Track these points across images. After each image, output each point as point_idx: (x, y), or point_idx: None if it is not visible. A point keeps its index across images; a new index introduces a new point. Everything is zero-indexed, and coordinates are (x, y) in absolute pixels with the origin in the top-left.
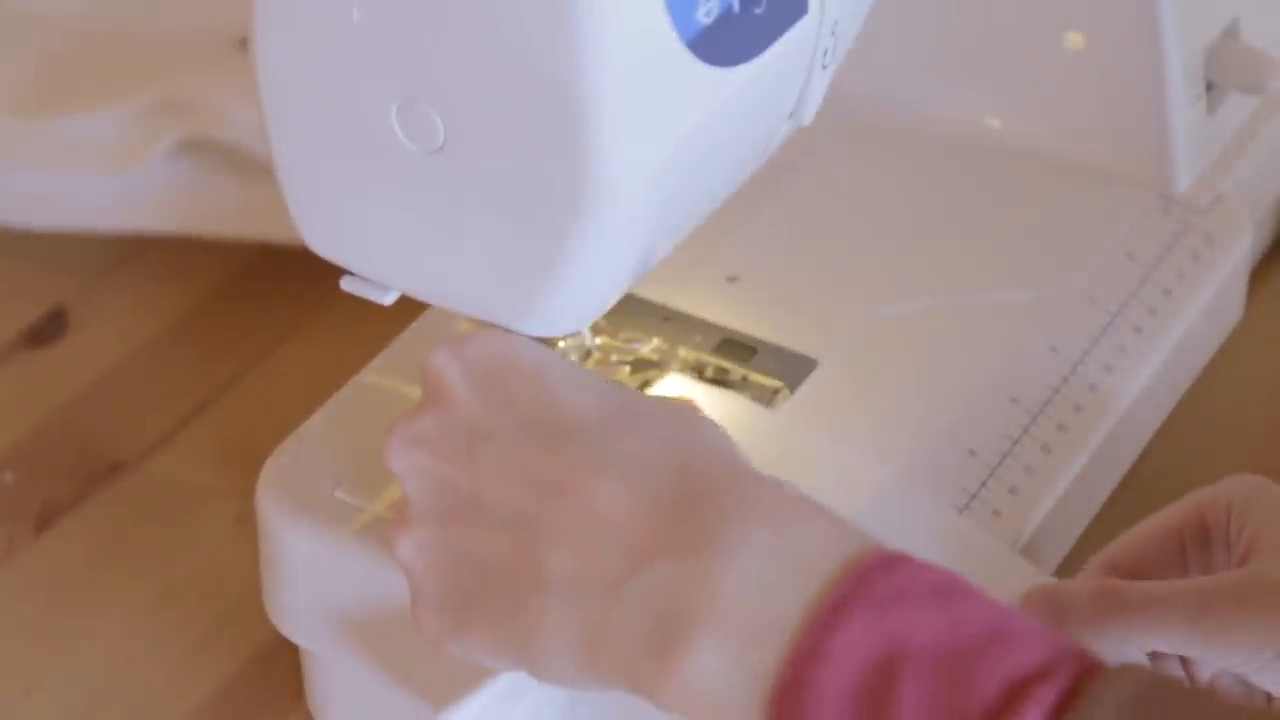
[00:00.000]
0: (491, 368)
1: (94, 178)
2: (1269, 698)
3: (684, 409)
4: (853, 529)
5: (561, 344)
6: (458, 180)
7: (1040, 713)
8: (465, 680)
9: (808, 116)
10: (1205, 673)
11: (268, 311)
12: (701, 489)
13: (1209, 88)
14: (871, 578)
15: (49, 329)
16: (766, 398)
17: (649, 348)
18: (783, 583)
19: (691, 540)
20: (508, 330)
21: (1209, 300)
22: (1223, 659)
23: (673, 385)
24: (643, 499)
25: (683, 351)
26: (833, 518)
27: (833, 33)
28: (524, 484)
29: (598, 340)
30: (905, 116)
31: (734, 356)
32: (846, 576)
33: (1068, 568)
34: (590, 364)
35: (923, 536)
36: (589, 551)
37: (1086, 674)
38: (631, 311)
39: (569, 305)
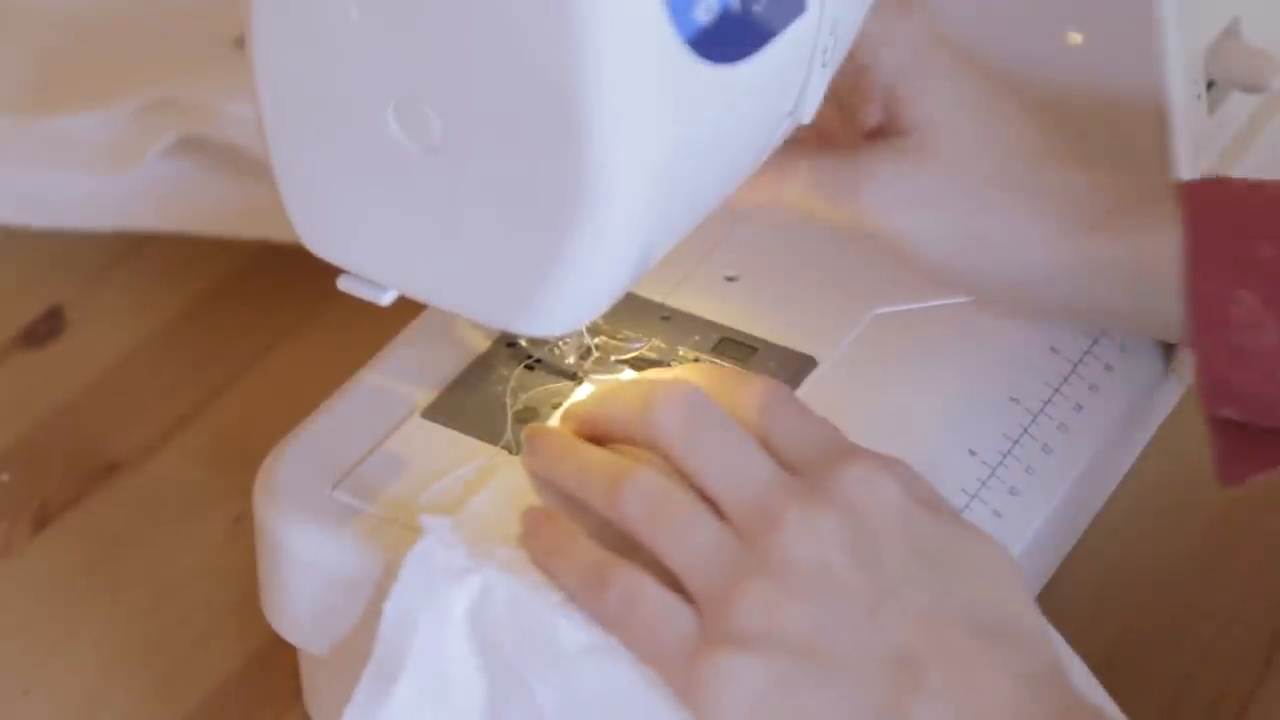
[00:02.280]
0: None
1: (91, 177)
2: None
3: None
4: None
5: (561, 344)
6: (455, 179)
7: None
8: None
9: (807, 115)
10: None
11: (265, 311)
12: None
13: (1209, 87)
14: None
15: (46, 328)
16: None
17: (648, 346)
18: None
19: None
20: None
21: None
22: None
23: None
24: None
25: (682, 351)
26: None
27: (832, 31)
28: (922, 630)
29: (596, 340)
30: None
31: (733, 356)
32: None
33: (1068, 568)
34: (590, 364)
35: None
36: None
37: None
38: (631, 311)
39: (568, 305)
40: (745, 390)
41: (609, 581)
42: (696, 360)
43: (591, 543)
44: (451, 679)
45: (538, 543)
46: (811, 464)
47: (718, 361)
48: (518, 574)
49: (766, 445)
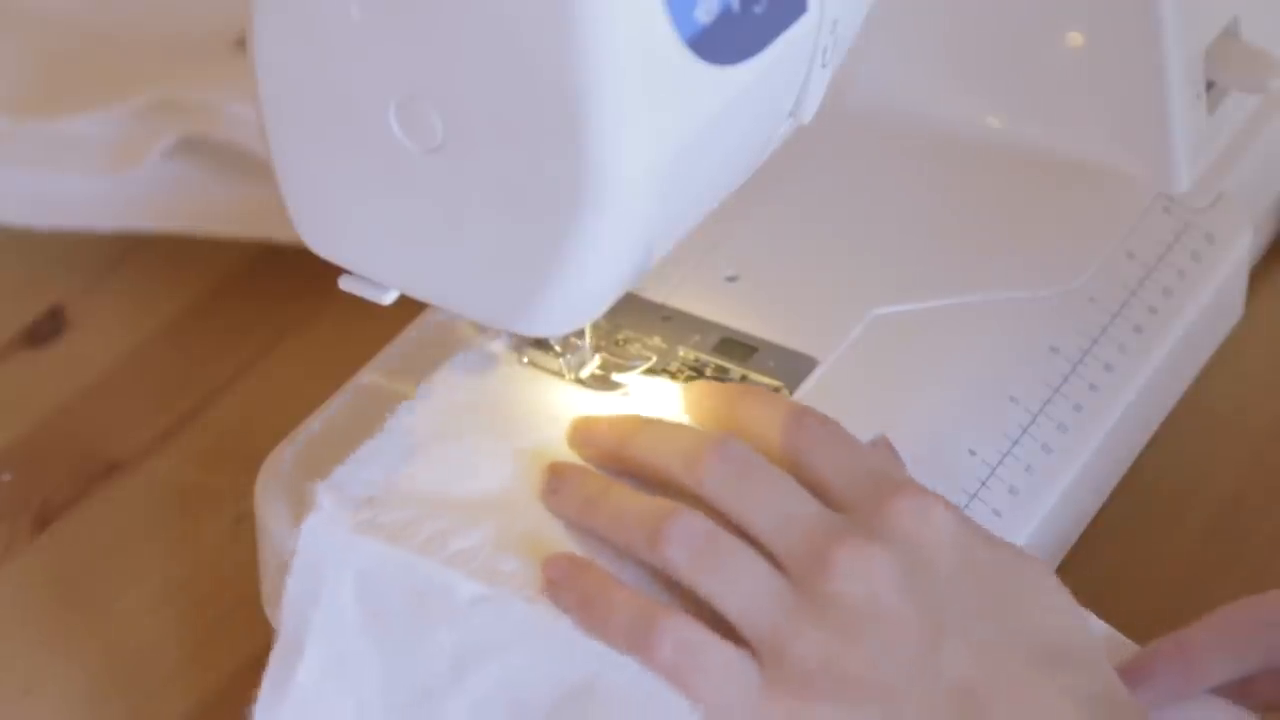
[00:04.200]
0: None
1: (93, 178)
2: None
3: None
4: None
5: (558, 348)
6: (456, 179)
7: None
8: None
9: (807, 115)
10: None
11: (266, 311)
12: None
13: (1209, 87)
14: None
15: (47, 328)
16: None
17: (647, 346)
18: None
19: None
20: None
21: (1209, 300)
22: None
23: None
24: None
25: (682, 351)
26: None
27: (832, 31)
28: (985, 669)
29: (597, 359)
30: (905, 116)
31: (733, 356)
32: None
33: (1068, 567)
34: (589, 375)
35: None
36: None
37: None
38: (631, 311)
39: (568, 305)
40: (787, 421)
41: (660, 631)
42: (697, 358)
43: (628, 590)
44: (348, 656)
45: (569, 594)
46: (860, 498)
47: (719, 362)
48: (407, 536)
49: (811, 479)
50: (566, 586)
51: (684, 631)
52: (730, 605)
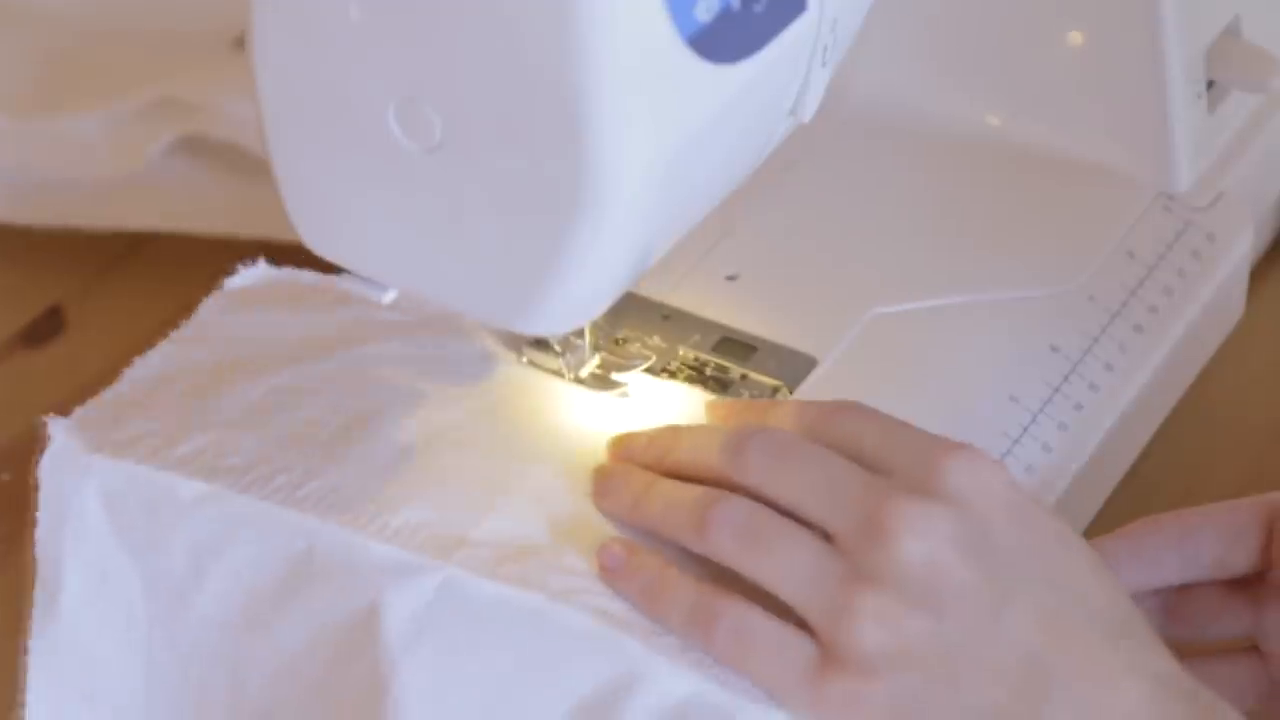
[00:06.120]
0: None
1: (91, 177)
2: None
3: None
4: None
5: (558, 347)
6: (456, 179)
7: None
8: None
9: (807, 114)
10: None
11: None
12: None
13: (1210, 86)
14: None
15: (46, 328)
16: (766, 397)
17: (647, 344)
18: None
19: None
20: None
21: (1209, 299)
22: None
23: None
24: (1162, 704)
25: (682, 350)
26: None
27: (832, 30)
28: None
29: (597, 359)
30: (905, 116)
31: (733, 355)
32: None
33: None
34: (589, 375)
35: None
36: None
37: None
38: (631, 310)
39: (568, 304)
40: (819, 411)
41: (717, 617)
42: (696, 358)
43: (686, 576)
44: (109, 572)
45: (629, 584)
46: (908, 460)
47: (719, 361)
48: (133, 448)
49: (854, 451)
50: (625, 575)
51: (738, 616)
52: (781, 586)
